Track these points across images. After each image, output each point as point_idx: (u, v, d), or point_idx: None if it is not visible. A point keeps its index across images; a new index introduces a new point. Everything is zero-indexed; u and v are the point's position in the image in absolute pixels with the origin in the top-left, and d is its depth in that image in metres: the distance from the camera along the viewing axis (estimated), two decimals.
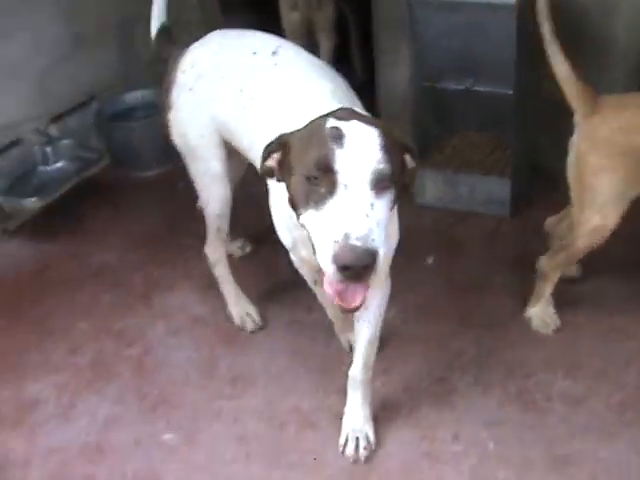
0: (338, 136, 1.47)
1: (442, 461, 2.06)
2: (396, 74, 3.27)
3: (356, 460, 2.08)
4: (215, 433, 2.21)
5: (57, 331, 2.64)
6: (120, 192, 3.45)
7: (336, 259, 1.40)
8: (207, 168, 2.29)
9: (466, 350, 2.39)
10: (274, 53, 2.07)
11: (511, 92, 2.76)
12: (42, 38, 3.29)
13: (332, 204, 1.45)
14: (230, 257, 2.65)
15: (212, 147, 2.25)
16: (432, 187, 3.07)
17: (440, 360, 2.37)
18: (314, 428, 2.20)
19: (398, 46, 3.16)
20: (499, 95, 2.85)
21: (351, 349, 2.29)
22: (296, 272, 2.13)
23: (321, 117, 1.56)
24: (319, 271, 1.54)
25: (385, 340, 2.27)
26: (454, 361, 2.36)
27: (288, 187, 1.59)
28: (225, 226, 2.44)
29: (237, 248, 2.91)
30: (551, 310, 2.43)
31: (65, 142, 3.34)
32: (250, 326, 2.55)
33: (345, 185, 1.44)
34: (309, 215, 1.51)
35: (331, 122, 1.51)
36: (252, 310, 2.58)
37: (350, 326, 2.20)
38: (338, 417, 2.17)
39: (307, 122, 1.59)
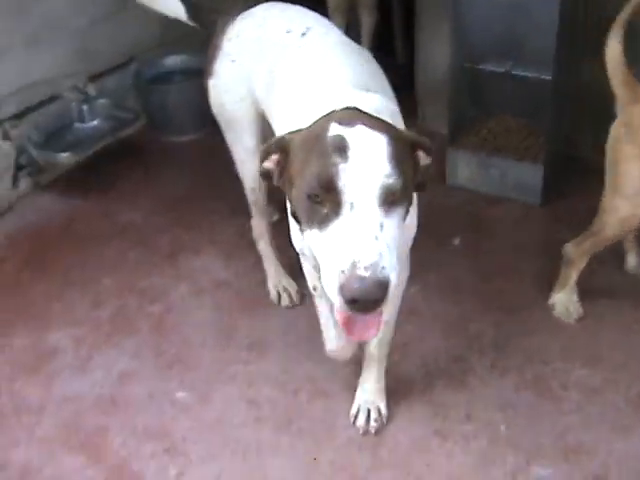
0: (342, 147, 1.31)
1: (452, 440, 2.05)
2: (436, 54, 3.24)
3: (366, 432, 2.08)
4: (228, 395, 2.23)
5: (81, 284, 2.68)
6: (153, 155, 3.48)
7: (343, 291, 1.26)
8: (241, 141, 2.28)
9: (485, 332, 2.38)
10: (303, 34, 1.98)
11: (549, 78, 2.71)
12: None
13: (337, 226, 1.30)
14: None
15: (247, 122, 2.22)
16: (464, 169, 3.04)
17: (459, 340, 2.36)
18: (326, 397, 2.20)
19: (440, 25, 3.12)
20: (537, 80, 2.81)
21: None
22: None
23: (325, 118, 1.42)
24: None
25: (405, 315, 2.25)
26: (473, 342, 2.35)
27: (289, 198, 1.47)
28: (261, 200, 2.42)
29: None
30: (575, 298, 2.40)
31: (102, 101, 3.37)
32: (285, 302, 2.55)
33: (351, 204, 1.29)
34: (313, 235, 1.36)
35: (334, 128, 1.35)
36: (292, 287, 2.56)
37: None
38: (352, 388, 2.17)
39: (311, 122, 1.46)
